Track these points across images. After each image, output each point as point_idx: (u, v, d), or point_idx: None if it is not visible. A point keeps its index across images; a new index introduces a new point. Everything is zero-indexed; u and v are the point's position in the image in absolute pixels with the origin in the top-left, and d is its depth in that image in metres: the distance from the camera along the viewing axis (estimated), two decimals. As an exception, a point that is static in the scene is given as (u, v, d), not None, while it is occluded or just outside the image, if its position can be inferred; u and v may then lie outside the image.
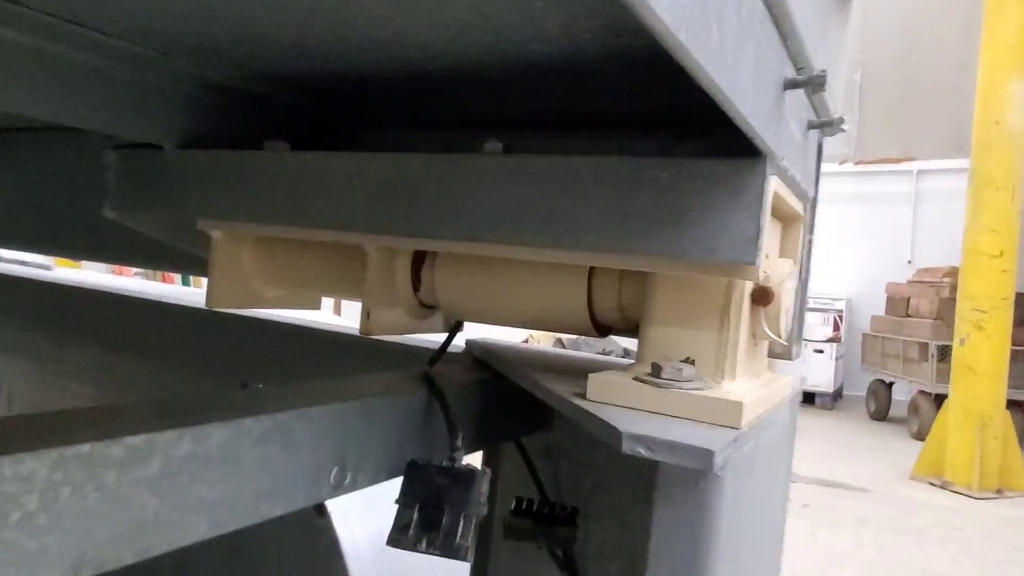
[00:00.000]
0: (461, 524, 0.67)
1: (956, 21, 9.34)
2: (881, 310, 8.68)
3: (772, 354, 0.88)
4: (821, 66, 0.70)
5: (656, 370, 0.64)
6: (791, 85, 0.61)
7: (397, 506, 0.71)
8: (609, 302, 0.75)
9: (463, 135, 0.98)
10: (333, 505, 1.34)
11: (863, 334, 8.92)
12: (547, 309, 0.79)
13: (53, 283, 1.78)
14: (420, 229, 0.76)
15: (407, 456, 0.75)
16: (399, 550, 1.49)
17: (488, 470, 0.69)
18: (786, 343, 0.72)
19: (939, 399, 6.79)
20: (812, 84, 0.60)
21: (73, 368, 1.62)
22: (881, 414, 8.42)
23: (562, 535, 0.91)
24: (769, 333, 0.67)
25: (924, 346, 7.46)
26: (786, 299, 0.69)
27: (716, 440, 0.55)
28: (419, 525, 0.69)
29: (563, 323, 0.79)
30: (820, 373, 8.85)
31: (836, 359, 8.94)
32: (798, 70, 0.69)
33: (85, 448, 0.48)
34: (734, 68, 0.51)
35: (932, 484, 5.75)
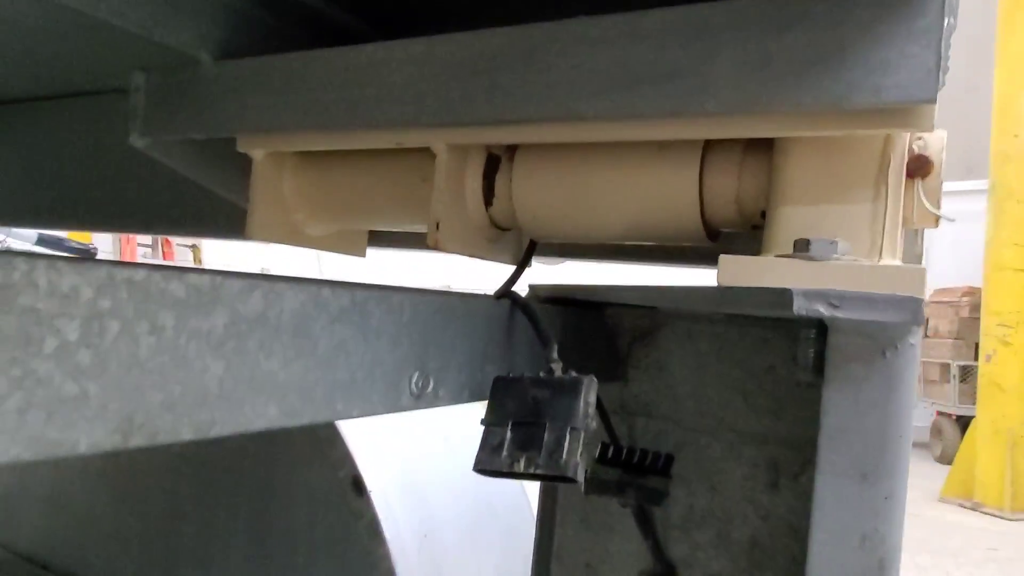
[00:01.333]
0: (567, 438, 0.55)
1: (964, 46, 9.38)
2: (897, 332, 8.54)
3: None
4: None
5: (803, 245, 0.54)
6: None
7: (483, 427, 0.60)
8: (727, 192, 0.64)
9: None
10: (372, 484, 1.21)
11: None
12: (648, 210, 0.68)
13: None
14: (503, 112, 0.65)
15: (489, 377, 0.64)
16: (445, 540, 1.36)
17: (595, 378, 0.58)
18: (949, 219, 0.61)
19: (962, 420, 6.63)
20: None
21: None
22: (901, 438, 8.23)
23: (655, 487, 0.79)
24: (930, 207, 0.57)
25: (945, 366, 7.31)
26: (943, 173, 0.58)
27: (911, 296, 0.44)
28: (514, 444, 0.58)
29: (667, 227, 0.68)
30: (837, 397, 8.65)
31: (852, 382, 8.77)
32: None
33: (140, 274, 0.37)
34: None
35: (962, 506, 5.55)
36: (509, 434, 0.58)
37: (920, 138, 0.58)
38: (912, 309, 0.42)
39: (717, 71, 0.56)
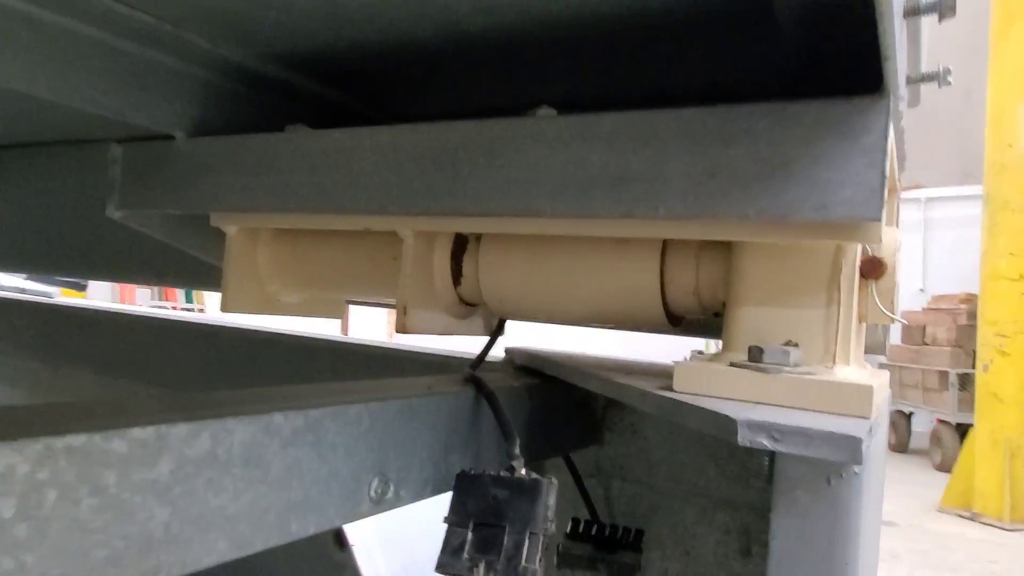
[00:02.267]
0: (527, 543, 0.56)
1: (959, 51, 9.40)
2: (897, 340, 8.53)
3: (866, 351, 0.77)
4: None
5: (756, 354, 0.54)
6: (912, 12, 0.52)
7: (446, 525, 0.60)
8: (685, 284, 0.65)
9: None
10: (354, 537, 1.22)
11: (879, 364, 8.76)
12: (611, 297, 0.69)
13: (50, 306, 1.68)
14: (465, 205, 0.66)
15: (454, 468, 0.64)
16: (426, 588, 1.35)
17: (555, 480, 0.58)
18: (902, 322, 0.61)
19: (961, 428, 6.61)
20: (942, 7, 0.51)
21: (68, 394, 1.51)
22: (902, 446, 8.20)
23: (626, 561, 0.80)
24: (884, 310, 0.57)
25: (943, 374, 7.29)
26: (899, 273, 0.59)
27: (854, 428, 0.44)
28: (475, 546, 0.58)
29: (630, 314, 0.69)
30: (836, 405, 8.64)
31: (852, 390, 8.75)
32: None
33: (79, 440, 0.37)
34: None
35: (961, 516, 5.54)
36: (470, 535, 0.59)
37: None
38: (850, 448, 0.42)
39: (667, 177, 0.57)
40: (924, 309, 8.40)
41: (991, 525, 5.36)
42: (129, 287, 7.83)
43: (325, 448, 0.53)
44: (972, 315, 6.84)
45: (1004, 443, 5.50)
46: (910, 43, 0.62)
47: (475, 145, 0.66)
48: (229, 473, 0.46)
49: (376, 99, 0.97)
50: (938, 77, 0.63)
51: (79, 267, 1.51)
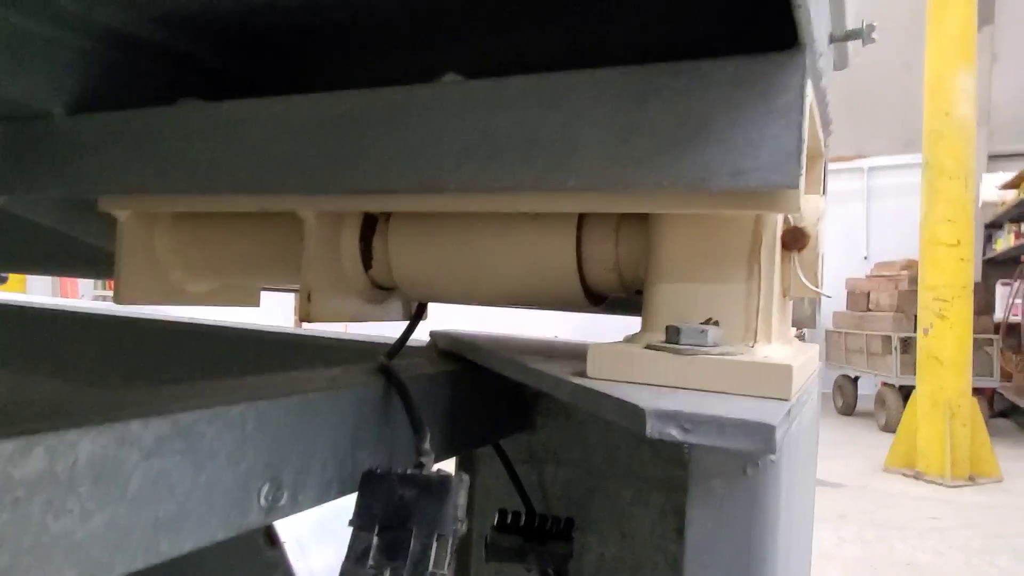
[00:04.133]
0: (434, 547, 0.52)
1: (899, 21, 9.58)
2: (842, 307, 8.75)
3: (794, 324, 0.75)
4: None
5: (673, 335, 0.50)
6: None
7: (351, 529, 0.56)
8: (604, 260, 0.61)
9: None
10: (286, 534, 1.17)
11: (826, 331, 8.98)
12: (527, 276, 0.64)
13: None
14: (368, 181, 0.61)
15: (363, 466, 0.59)
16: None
17: (465, 476, 0.54)
18: (826, 295, 0.58)
19: (904, 391, 6.83)
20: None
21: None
22: (848, 409, 8.46)
23: (557, 552, 0.76)
24: (806, 282, 0.54)
25: (887, 339, 7.52)
26: (821, 243, 0.56)
27: (769, 414, 0.41)
28: (380, 551, 0.53)
29: (548, 294, 0.65)
30: (786, 372, 8.85)
31: (801, 357, 8.97)
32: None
33: None
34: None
35: (905, 475, 5.74)
36: (376, 539, 0.54)
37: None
38: (764, 437, 0.39)
39: (581, 143, 0.53)
40: (867, 276, 8.63)
41: (933, 483, 5.57)
42: (70, 281, 7.53)
43: (201, 455, 0.47)
44: (913, 281, 7.04)
45: (944, 404, 5.70)
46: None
47: (376, 114, 0.61)
48: (73, 492, 0.40)
49: (278, 71, 0.89)
50: (862, 34, 0.60)
51: None
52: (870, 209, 10.05)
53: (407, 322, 0.82)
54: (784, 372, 0.46)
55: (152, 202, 0.77)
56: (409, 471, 0.56)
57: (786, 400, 0.45)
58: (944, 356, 5.77)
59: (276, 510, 0.53)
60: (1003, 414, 7.62)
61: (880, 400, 7.83)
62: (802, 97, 0.46)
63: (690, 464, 0.43)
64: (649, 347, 0.51)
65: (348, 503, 1.31)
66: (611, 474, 0.88)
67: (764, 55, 0.47)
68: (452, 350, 0.82)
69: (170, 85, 0.84)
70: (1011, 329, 7.75)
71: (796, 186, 0.46)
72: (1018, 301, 7.80)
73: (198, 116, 0.71)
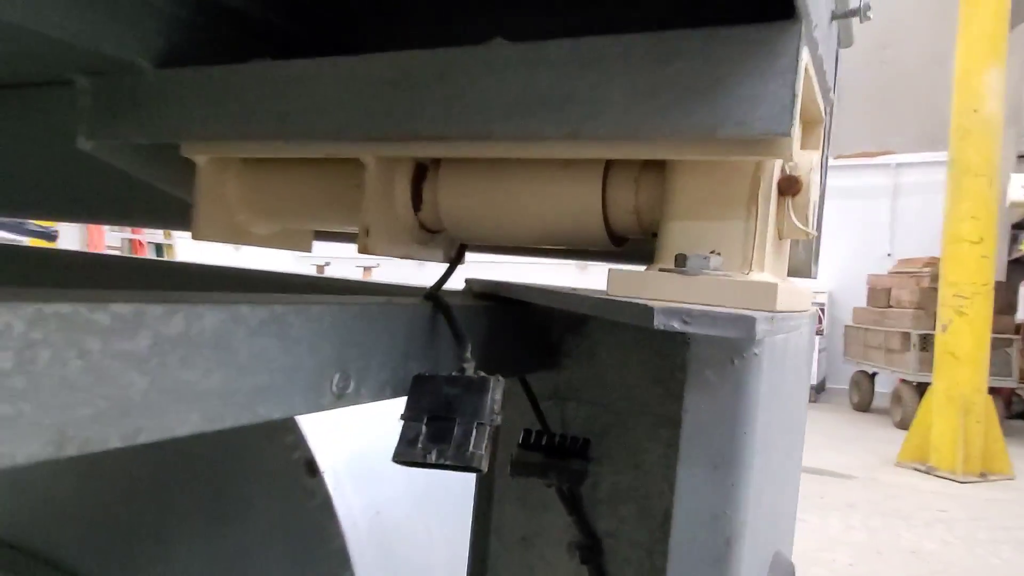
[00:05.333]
0: (474, 433, 0.62)
1: (930, 16, 9.48)
2: (863, 303, 8.75)
3: (792, 272, 0.84)
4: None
5: (681, 261, 0.60)
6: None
7: (402, 421, 0.66)
8: (626, 204, 0.70)
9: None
10: (325, 465, 1.28)
11: (845, 326, 8.99)
12: (558, 218, 0.74)
13: None
14: (422, 129, 0.71)
15: (412, 373, 0.70)
16: (396, 516, 1.43)
17: (501, 378, 0.64)
18: (813, 234, 0.67)
19: (921, 388, 6.85)
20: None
21: None
22: (864, 405, 8.47)
23: (575, 468, 0.86)
24: (797, 223, 0.63)
25: (906, 335, 7.52)
26: (813, 191, 0.65)
27: (754, 313, 0.50)
28: (428, 438, 0.64)
29: (576, 234, 0.75)
30: (803, 365, 8.89)
31: (819, 352, 8.99)
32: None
33: (67, 308, 0.42)
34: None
35: (917, 470, 5.78)
36: (424, 428, 0.65)
37: (793, 161, 0.64)
38: (747, 327, 0.48)
39: (611, 99, 0.62)
40: (889, 272, 8.60)
41: (945, 478, 5.61)
42: (100, 233, 7.75)
43: (289, 341, 0.58)
44: (935, 278, 7.03)
45: (959, 399, 5.71)
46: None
47: (430, 72, 0.71)
48: (200, 353, 0.50)
49: (337, 34, 1.00)
50: (859, 12, 0.68)
51: (46, 208, 1.52)
52: (896, 206, 9.97)
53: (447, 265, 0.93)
54: (770, 289, 0.55)
55: (229, 148, 0.88)
56: (453, 373, 0.66)
57: (771, 311, 0.55)
58: (961, 352, 5.78)
59: (344, 397, 0.64)
60: (1021, 415, 7.59)
61: (897, 397, 7.83)
62: (797, 60, 0.55)
63: (688, 358, 0.53)
64: (661, 269, 0.60)
65: (387, 447, 1.43)
66: (627, 411, 0.98)
67: (767, 23, 0.56)
68: (486, 291, 0.92)
69: (243, 46, 0.95)
70: (1032, 330, 7.70)
71: (789, 135, 0.55)
72: (1040, 302, 7.74)
73: (272, 73, 0.82)
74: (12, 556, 1.47)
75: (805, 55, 0.57)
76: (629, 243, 0.79)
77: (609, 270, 0.63)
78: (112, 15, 0.85)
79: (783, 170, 0.64)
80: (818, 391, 9.23)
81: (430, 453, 0.63)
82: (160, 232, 8.85)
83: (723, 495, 0.54)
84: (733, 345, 0.51)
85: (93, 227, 7.49)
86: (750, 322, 0.48)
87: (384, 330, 0.68)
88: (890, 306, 8.09)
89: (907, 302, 7.77)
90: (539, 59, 0.65)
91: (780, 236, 0.66)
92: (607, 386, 1.02)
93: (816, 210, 0.68)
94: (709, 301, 0.57)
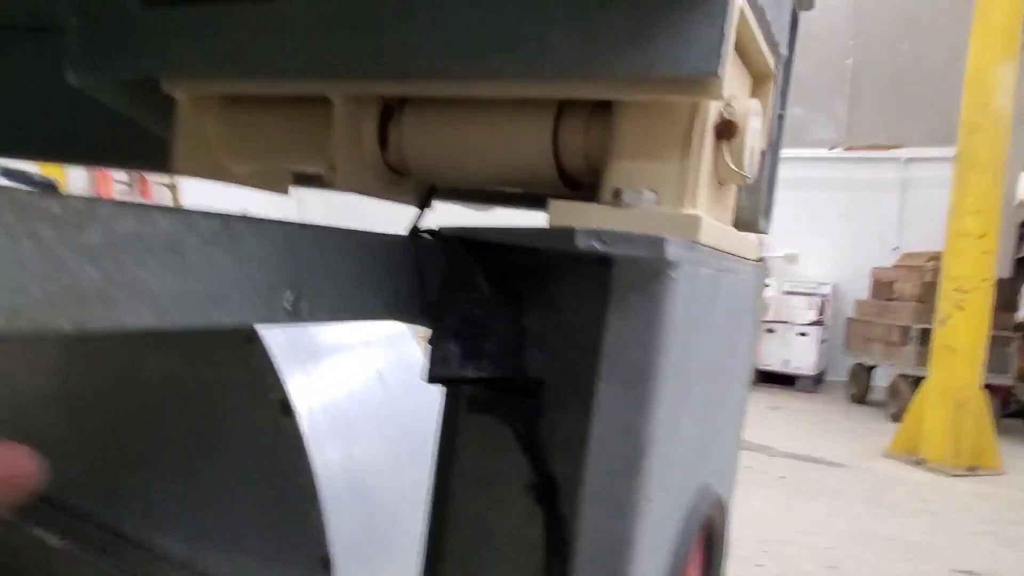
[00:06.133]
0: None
1: (948, 11, 9.36)
2: (866, 295, 8.74)
3: (741, 226, 0.87)
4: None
5: (616, 194, 0.63)
6: None
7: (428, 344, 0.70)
8: (576, 146, 0.74)
9: None
10: (300, 407, 1.32)
11: (847, 318, 8.99)
12: (514, 160, 0.77)
13: None
14: (385, 66, 0.74)
15: (368, 300, 0.74)
16: (368, 457, 1.47)
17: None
18: (749, 179, 0.71)
19: (918, 382, 6.86)
20: None
21: None
22: (860, 397, 8.50)
23: (529, 406, 0.90)
24: (732, 166, 0.66)
25: (905, 329, 7.52)
26: (751, 137, 0.68)
27: (673, 240, 0.54)
28: (462, 355, 0.69)
29: (530, 174, 0.78)
30: (803, 355, 8.92)
31: (820, 343, 9.01)
32: None
33: (20, 195, 0.46)
34: None
35: (907, 461, 5.82)
36: (453, 347, 0.69)
37: (730, 106, 0.67)
38: (659, 247, 0.52)
39: (556, 39, 0.65)
40: (893, 266, 8.57)
41: (934, 470, 5.64)
42: (108, 178, 7.83)
43: (242, 254, 0.62)
44: (939, 272, 7.01)
45: (953, 392, 5.73)
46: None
47: (391, 8, 0.74)
48: (153, 255, 0.54)
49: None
50: (806, -30, 0.71)
51: (29, 150, 1.57)
52: (905, 200, 9.91)
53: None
54: (694, 220, 0.59)
55: (207, 85, 0.91)
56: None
57: (695, 241, 0.58)
58: (958, 346, 5.78)
59: (297, 314, 0.67)
60: (1016, 414, 7.59)
61: (893, 390, 7.84)
62: (726, 5, 0.58)
63: (610, 281, 0.57)
64: (598, 204, 0.64)
65: (361, 393, 1.45)
66: (584, 355, 1.02)
67: (702, -30, 0.59)
68: (456, 234, 0.96)
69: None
70: (1032, 328, 7.68)
71: (718, 75, 0.58)
72: (1042, 301, 7.72)
73: (248, 10, 0.85)
74: None
75: (738, 1, 0.60)
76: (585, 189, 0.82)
77: (550, 202, 0.66)
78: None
79: (720, 115, 0.67)
80: (816, 383, 9.25)
81: (466, 368, 0.67)
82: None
83: (634, 408, 0.58)
84: (648, 269, 0.55)
85: (99, 173, 7.59)
86: (661, 243, 0.51)
87: (341, 255, 0.72)
88: (893, 299, 8.08)
89: (909, 295, 7.76)
90: (489, 2, 0.68)
91: (721, 183, 0.69)
92: (563, 330, 1.05)
93: (755, 157, 0.71)
94: (637, 230, 0.61)
